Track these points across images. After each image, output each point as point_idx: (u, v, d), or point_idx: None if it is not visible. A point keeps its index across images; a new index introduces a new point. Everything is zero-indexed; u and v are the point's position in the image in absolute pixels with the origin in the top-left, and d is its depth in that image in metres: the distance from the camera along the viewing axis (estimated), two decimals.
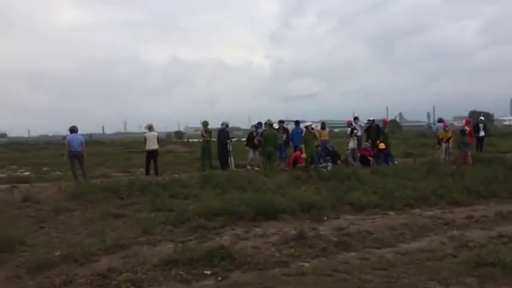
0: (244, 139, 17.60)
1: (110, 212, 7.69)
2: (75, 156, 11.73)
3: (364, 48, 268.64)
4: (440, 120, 16.89)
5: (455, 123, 41.23)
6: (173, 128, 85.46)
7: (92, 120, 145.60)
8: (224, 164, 13.59)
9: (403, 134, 42.50)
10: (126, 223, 7.06)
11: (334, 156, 14.24)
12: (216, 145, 14.06)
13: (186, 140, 47.02)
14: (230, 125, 17.33)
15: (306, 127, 13.25)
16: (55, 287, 4.33)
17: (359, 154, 14.51)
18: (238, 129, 66.30)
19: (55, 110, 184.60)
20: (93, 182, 10.61)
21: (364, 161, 14.09)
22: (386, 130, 15.66)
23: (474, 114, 47.19)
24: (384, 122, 16.63)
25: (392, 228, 6.50)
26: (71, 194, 9.21)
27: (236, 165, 13.95)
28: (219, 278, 4.49)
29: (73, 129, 12.05)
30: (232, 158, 13.92)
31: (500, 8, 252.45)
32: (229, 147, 13.88)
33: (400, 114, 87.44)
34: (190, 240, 5.93)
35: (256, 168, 13.69)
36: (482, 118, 18.58)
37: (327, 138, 14.82)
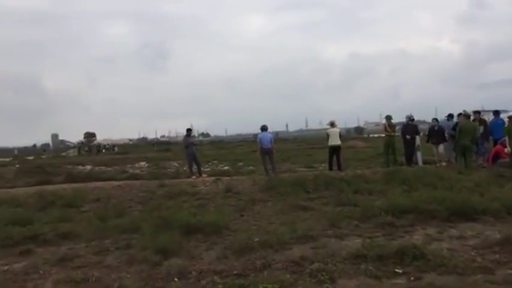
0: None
1: (298, 204, 8.19)
2: (266, 153, 12.80)
3: None
4: None
5: None
6: (353, 124, 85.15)
7: (276, 118, 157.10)
8: (410, 160, 12.90)
9: None
10: (314, 215, 7.40)
11: None
12: (401, 140, 13.47)
13: (366, 135, 46.21)
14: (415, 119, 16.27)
15: (509, 117, 11.50)
16: (256, 269, 4.83)
17: None
18: (424, 122, 61.19)
19: (246, 110, 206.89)
20: (281, 176, 11.49)
21: None
22: None
23: None
24: None
25: None
26: (264, 186, 10.14)
27: (424, 162, 13.12)
28: (412, 278, 4.32)
29: (264, 128, 13.16)
30: (420, 154, 13.14)
31: None
32: (418, 142, 13.17)
33: None
34: (377, 236, 5.86)
35: (443, 163, 12.81)
36: None
37: None
